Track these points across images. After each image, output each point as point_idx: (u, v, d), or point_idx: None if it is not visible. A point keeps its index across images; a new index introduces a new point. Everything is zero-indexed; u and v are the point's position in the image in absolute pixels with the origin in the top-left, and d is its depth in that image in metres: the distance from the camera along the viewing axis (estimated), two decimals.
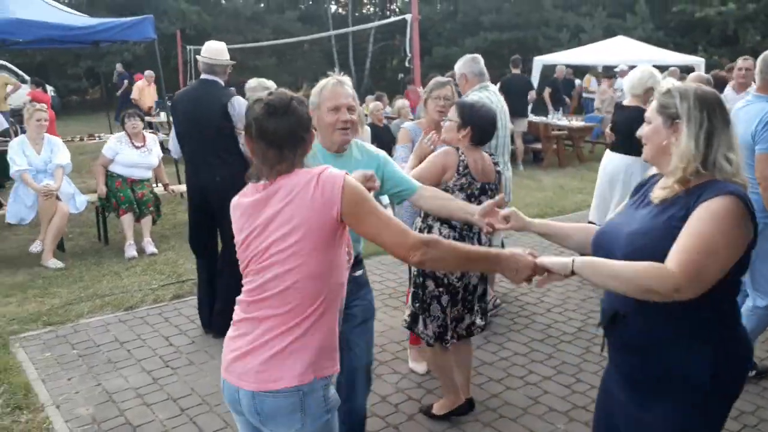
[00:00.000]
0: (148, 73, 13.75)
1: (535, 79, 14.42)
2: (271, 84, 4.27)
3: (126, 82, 17.01)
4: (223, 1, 28.46)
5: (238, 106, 4.16)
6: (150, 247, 5.93)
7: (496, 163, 3.07)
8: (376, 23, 19.21)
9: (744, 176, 1.70)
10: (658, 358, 1.71)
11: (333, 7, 31.63)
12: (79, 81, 24.03)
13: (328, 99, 2.42)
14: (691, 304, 1.60)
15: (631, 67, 11.69)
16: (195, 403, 3.32)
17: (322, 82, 2.48)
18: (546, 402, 3.30)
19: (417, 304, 2.98)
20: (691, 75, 4.84)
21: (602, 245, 1.83)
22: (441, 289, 2.92)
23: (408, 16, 8.28)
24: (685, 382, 1.68)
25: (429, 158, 2.98)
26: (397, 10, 32.48)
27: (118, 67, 17.43)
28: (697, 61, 13.45)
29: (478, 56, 4.34)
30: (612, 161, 4.75)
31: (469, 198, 2.86)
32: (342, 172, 1.72)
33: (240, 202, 1.82)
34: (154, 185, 6.62)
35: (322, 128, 2.46)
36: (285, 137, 1.73)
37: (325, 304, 1.74)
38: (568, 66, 14.46)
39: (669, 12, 20.46)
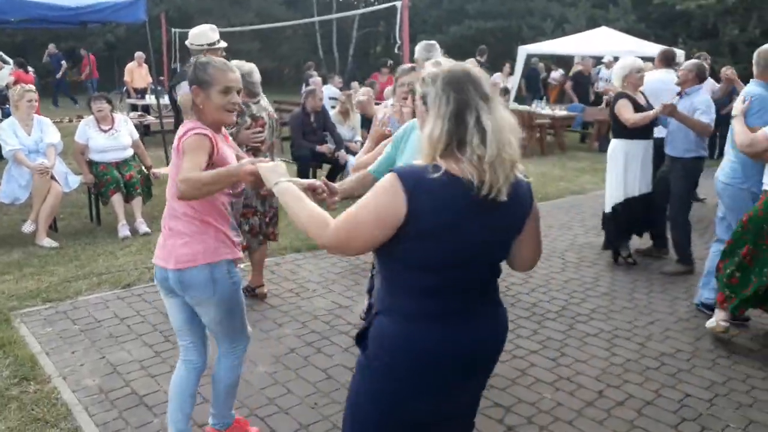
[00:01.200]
0: (139, 54, 13.73)
1: (518, 68, 14.62)
2: (246, 66, 4.03)
3: (63, 63, 16.85)
4: None
5: (180, 90, 4.38)
6: (143, 227, 6.00)
7: None
8: (364, 10, 19.26)
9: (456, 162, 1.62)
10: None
11: None
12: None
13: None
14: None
15: (616, 58, 11.94)
16: None
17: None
18: (533, 374, 3.50)
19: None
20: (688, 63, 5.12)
21: None
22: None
23: (398, 3, 8.38)
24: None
25: (378, 148, 3.13)
26: None
27: (51, 47, 17.17)
28: (678, 53, 13.70)
29: (432, 43, 4.55)
30: (616, 145, 5.21)
31: None
32: (195, 130, 2.33)
33: None
34: (143, 167, 6.67)
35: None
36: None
37: (204, 213, 2.42)
38: (552, 55, 14.65)
39: (651, 4, 20.71)
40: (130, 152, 6.31)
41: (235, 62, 3.99)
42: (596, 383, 3.41)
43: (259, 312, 4.29)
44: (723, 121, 9.64)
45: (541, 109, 11.58)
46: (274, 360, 3.64)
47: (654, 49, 13.87)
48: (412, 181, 1.60)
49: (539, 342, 3.90)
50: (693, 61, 5.20)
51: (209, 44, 4.51)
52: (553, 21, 21.56)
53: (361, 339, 1.83)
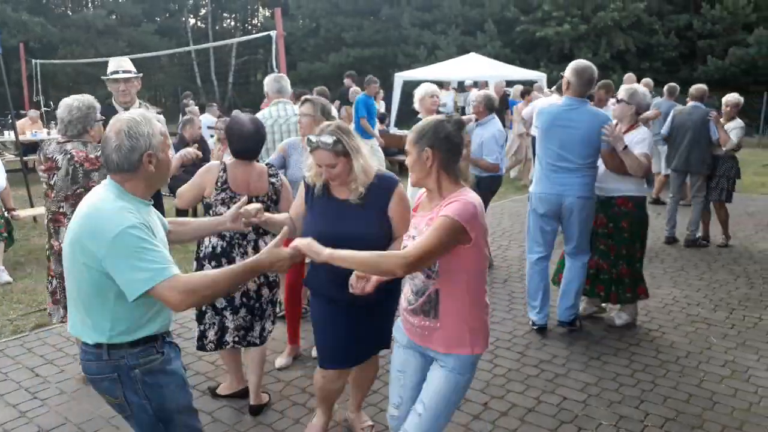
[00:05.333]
0: (32, 112, 12.78)
1: (396, 94, 15.07)
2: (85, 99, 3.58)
3: None
4: (70, 13, 26.73)
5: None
6: (4, 276, 5.51)
7: (273, 175, 3.21)
8: (239, 39, 19.07)
9: None
10: None
11: (192, 21, 30.79)
12: None
13: None
14: None
15: (476, 83, 12.59)
16: None
17: None
18: None
19: (196, 313, 3.25)
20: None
21: None
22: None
23: (273, 33, 8.38)
24: None
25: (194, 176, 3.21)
26: (258, 24, 32.29)
27: None
28: (540, 75, 14.75)
29: (281, 76, 4.77)
30: None
31: None
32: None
33: None
34: (4, 210, 6.16)
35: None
36: None
37: None
38: (426, 81, 15.17)
39: (514, 31, 22.22)
40: None
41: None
42: (481, 396, 3.53)
43: None
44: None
45: None
46: None
47: (519, 72, 14.87)
48: None
49: None
50: (481, 93, 5.75)
51: (105, 76, 4.24)
52: (426, 48, 22.47)
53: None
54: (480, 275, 2.25)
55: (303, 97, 3.85)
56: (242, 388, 3.44)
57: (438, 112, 5.58)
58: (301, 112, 3.69)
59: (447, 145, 2.17)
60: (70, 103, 3.50)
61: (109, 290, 1.89)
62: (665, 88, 8.64)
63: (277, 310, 3.46)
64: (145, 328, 1.99)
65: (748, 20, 20.27)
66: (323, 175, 2.58)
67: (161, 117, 4.10)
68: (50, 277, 3.63)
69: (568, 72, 4.06)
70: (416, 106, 5.58)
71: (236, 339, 3.23)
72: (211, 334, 3.22)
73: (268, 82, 4.70)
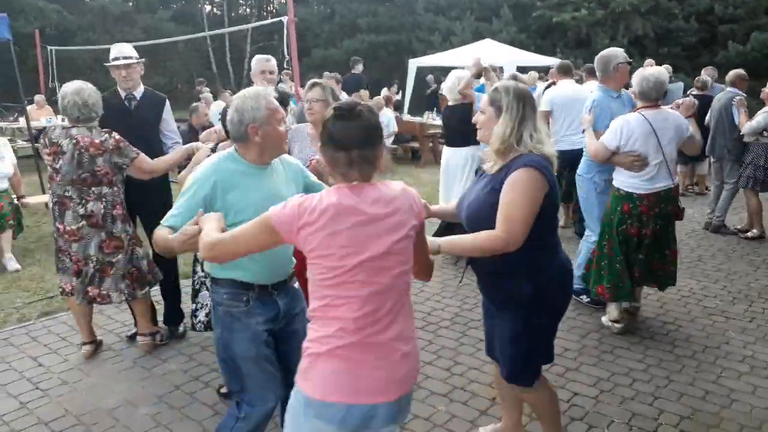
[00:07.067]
0: (39, 97, 12.84)
1: (410, 80, 14.91)
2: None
3: None
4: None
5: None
6: (12, 264, 5.51)
7: None
8: (253, 24, 19.00)
9: (543, 147, 2.32)
10: (495, 284, 2.47)
11: (207, 7, 30.73)
12: None
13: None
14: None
15: (497, 68, 12.39)
16: (69, 425, 3.15)
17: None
18: (427, 386, 3.48)
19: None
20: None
21: (459, 211, 2.52)
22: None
23: (284, 19, 8.28)
24: (514, 301, 2.39)
25: None
26: (274, 10, 32.16)
27: None
28: (556, 62, 14.48)
29: (260, 57, 4.49)
30: (455, 154, 5.59)
31: None
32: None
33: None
34: (14, 196, 6.15)
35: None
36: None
37: None
38: (441, 67, 15.01)
39: (530, 16, 21.84)
40: (5, 184, 5.81)
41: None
42: (489, 390, 3.44)
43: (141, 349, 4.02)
44: None
45: (433, 119, 11.80)
46: (156, 400, 3.40)
47: (534, 58, 14.63)
48: (543, 168, 2.28)
49: (434, 352, 3.90)
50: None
51: (108, 63, 4.18)
52: (440, 34, 22.20)
53: None
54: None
55: (311, 81, 3.70)
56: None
57: None
58: (310, 98, 3.52)
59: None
60: (83, 88, 3.53)
61: None
62: (702, 73, 8.60)
63: None
64: (233, 270, 2.23)
65: None
66: None
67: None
68: (61, 256, 3.71)
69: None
70: (448, 93, 5.52)
71: None
72: (201, 315, 3.23)
73: (254, 62, 4.49)
